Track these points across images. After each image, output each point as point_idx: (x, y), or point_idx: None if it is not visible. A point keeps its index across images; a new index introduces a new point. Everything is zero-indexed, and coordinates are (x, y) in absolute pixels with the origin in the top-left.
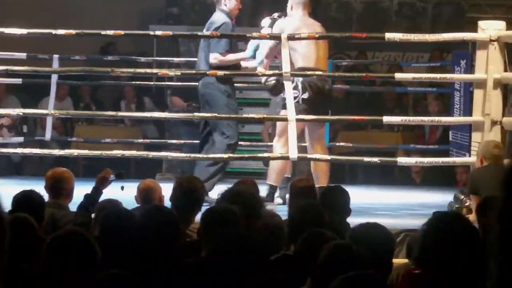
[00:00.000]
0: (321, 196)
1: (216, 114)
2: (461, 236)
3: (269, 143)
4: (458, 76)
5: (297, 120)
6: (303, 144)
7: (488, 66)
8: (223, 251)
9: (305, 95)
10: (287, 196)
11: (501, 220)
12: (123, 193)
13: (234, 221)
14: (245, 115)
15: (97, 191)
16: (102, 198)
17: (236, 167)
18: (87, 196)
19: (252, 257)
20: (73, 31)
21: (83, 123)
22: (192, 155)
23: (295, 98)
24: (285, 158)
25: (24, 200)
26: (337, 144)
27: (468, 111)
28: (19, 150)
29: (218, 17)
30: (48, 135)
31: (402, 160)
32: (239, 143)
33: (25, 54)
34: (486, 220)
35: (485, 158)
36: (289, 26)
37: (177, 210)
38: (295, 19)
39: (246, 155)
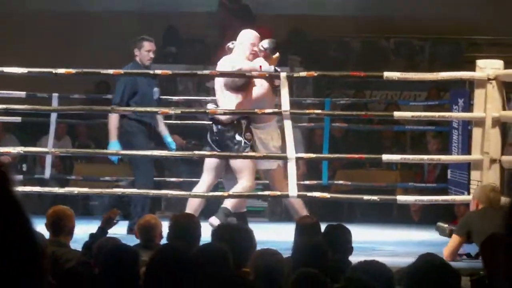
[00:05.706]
0: (324, 235)
1: (215, 153)
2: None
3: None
4: (457, 115)
5: (297, 158)
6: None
7: (487, 104)
8: None
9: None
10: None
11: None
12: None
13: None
14: (244, 153)
15: (102, 231)
16: None
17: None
18: (92, 236)
19: None
20: (73, 70)
21: (82, 161)
22: (192, 193)
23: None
24: (285, 196)
25: None
26: (336, 182)
27: (466, 150)
28: (19, 189)
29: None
30: (47, 173)
31: (402, 198)
32: None
33: (24, 92)
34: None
35: (480, 202)
36: None
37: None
38: None
39: (246, 193)
